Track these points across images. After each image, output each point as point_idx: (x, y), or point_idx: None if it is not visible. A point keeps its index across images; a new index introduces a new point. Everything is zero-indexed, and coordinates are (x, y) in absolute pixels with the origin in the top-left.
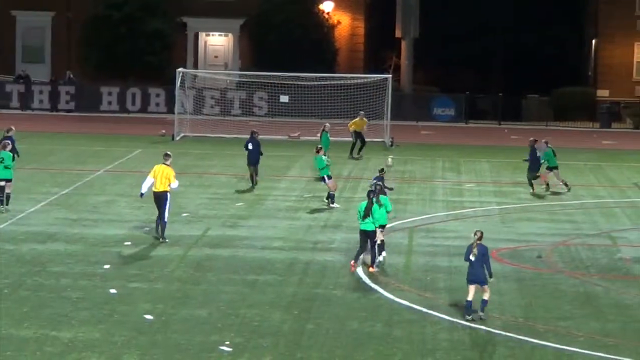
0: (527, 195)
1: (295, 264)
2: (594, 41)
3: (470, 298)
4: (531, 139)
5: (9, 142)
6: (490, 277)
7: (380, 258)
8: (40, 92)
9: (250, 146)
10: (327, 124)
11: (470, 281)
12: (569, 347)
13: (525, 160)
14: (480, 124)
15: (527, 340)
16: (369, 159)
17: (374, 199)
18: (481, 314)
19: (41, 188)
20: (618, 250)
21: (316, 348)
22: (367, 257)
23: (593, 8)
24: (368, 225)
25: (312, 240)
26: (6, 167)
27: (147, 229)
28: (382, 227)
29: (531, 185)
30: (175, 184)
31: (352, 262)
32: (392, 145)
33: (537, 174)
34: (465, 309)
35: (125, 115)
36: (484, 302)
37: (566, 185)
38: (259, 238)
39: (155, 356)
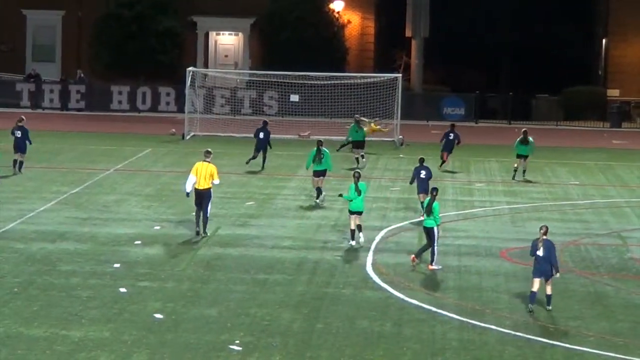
0: (538, 194)
1: (305, 263)
2: (604, 40)
3: (534, 289)
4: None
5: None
6: (557, 272)
7: (362, 238)
8: (51, 91)
9: (261, 135)
10: (357, 116)
11: (536, 275)
12: (579, 346)
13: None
14: (490, 124)
15: (536, 340)
16: (379, 158)
17: (436, 195)
18: (548, 307)
19: (51, 187)
20: (628, 249)
21: (326, 347)
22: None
23: (603, 7)
24: (428, 222)
25: (321, 240)
26: None
27: (157, 227)
28: (360, 213)
29: None
30: (217, 181)
31: (413, 256)
32: (402, 145)
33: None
34: (529, 299)
35: (136, 114)
36: (549, 296)
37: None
38: (268, 237)
39: (165, 355)
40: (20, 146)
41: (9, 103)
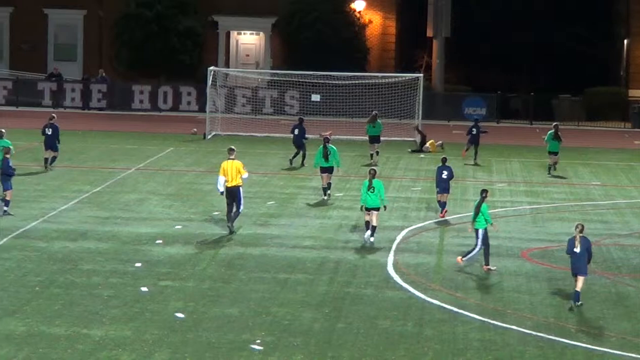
0: (559, 195)
1: (326, 263)
2: (625, 41)
3: (578, 288)
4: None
5: (3, 131)
6: (588, 262)
7: (372, 239)
8: (72, 90)
9: (295, 132)
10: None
11: (576, 272)
12: (600, 347)
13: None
14: (511, 124)
15: (558, 341)
16: (400, 158)
17: (485, 197)
18: (577, 303)
19: (73, 186)
20: None
21: (347, 347)
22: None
23: (624, 8)
24: (478, 224)
25: (343, 239)
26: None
27: (179, 227)
28: (377, 209)
29: None
30: (245, 175)
31: (484, 266)
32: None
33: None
34: (574, 297)
35: (157, 113)
36: (578, 293)
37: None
38: (289, 237)
39: (186, 354)
40: (50, 144)
41: (30, 102)
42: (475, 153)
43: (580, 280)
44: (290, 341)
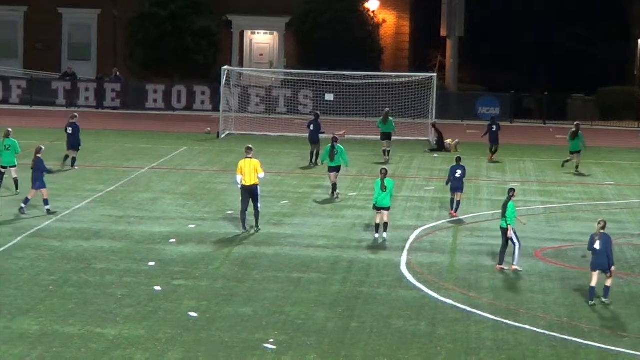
0: (572, 194)
1: (340, 262)
2: (639, 41)
3: (593, 284)
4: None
5: (10, 130)
6: (612, 265)
7: (385, 235)
8: (86, 89)
9: (311, 127)
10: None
11: (594, 268)
12: (613, 347)
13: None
14: (525, 123)
15: (571, 340)
16: (413, 158)
17: (512, 196)
18: (605, 300)
19: (86, 185)
20: None
21: (360, 346)
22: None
23: (638, 7)
24: (502, 223)
25: (356, 239)
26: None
27: (192, 226)
28: (387, 209)
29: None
30: (262, 174)
31: (498, 265)
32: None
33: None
34: (589, 294)
35: (171, 113)
36: (607, 288)
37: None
38: (303, 236)
39: (200, 353)
40: (71, 143)
41: (44, 101)
42: (495, 151)
43: (599, 275)
44: (304, 340)
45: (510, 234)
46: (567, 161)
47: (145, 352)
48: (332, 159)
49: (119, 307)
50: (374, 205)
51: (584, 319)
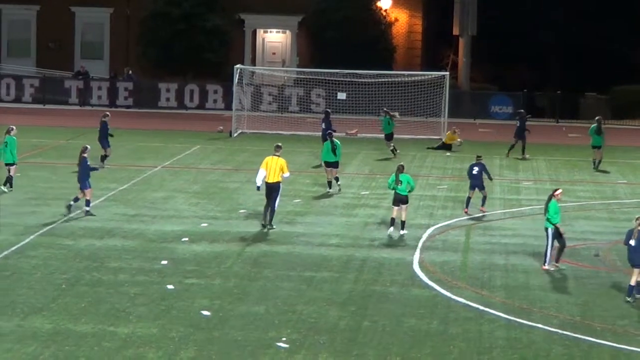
0: (585, 193)
1: (352, 261)
2: None
3: (633, 283)
4: None
5: (13, 127)
6: None
7: (402, 232)
8: (99, 88)
9: (323, 125)
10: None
11: (635, 265)
12: (626, 346)
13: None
14: (538, 122)
15: (584, 339)
16: (426, 156)
17: (553, 195)
18: (628, 299)
19: (99, 184)
20: None
21: (372, 345)
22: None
23: None
24: (546, 222)
25: (368, 237)
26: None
27: (205, 224)
28: (405, 202)
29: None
30: (287, 174)
31: (543, 266)
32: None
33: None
34: (628, 290)
35: (183, 111)
36: (632, 287)
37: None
38: (315, 235)
39: (212, 352)
40: (100, 141)
41: (57, 100)
42: (523, 148)
43: (636, 272)
44: (316, 339)
45: (549, 233)
46: (595, 160)
47: (158, 350)
48: (333, 153)
49: (132, 306)
50: (389, 187)
51: (596, 318)
